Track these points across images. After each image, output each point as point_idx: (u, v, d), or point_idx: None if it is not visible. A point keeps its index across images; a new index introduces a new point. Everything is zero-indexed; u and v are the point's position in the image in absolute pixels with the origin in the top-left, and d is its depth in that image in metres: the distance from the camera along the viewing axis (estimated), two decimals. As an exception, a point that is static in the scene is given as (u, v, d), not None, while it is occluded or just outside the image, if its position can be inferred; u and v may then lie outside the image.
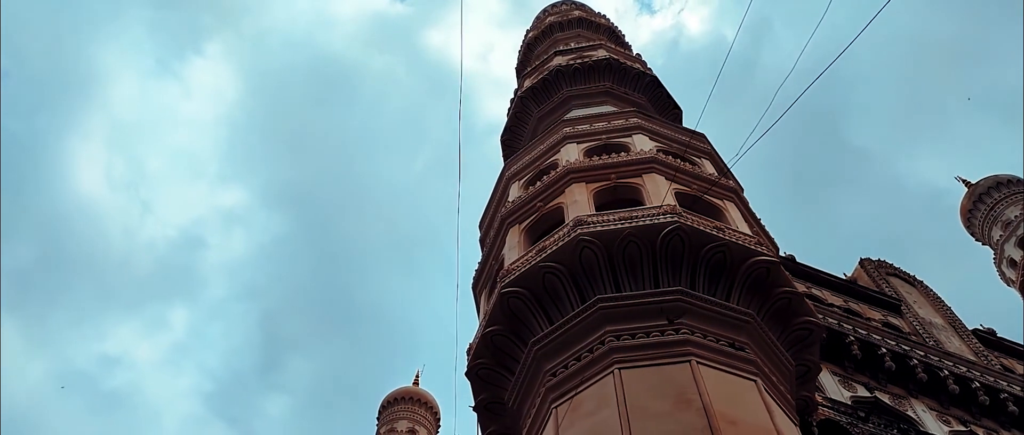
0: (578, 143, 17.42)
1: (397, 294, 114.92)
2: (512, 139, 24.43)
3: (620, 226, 13.31)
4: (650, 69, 25.56)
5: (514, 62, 31.69)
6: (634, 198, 15.19)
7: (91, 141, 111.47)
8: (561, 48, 26.87)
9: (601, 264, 13.05)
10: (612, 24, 31.67)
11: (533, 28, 32.54)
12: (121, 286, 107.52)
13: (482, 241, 19.09)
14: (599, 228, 13.37)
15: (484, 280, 16.57)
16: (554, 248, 13.46)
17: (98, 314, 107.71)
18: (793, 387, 13.06)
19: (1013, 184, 38.45)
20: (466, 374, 14.31)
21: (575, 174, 15.68)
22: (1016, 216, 36.67)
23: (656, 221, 13.30)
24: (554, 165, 17.31)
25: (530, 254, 14.04)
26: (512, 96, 26.62)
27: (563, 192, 15.50)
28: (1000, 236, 37.20)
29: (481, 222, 19.49)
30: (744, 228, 14.57)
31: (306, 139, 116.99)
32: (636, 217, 13.58)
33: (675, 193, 15.05)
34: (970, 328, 24.16)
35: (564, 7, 34.14)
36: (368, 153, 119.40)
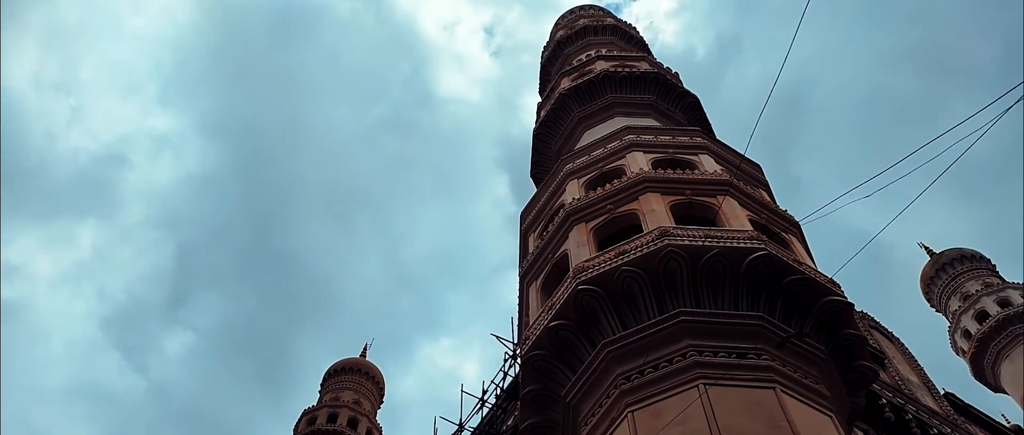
0: (645, 153, 17.52)
1: (323, 248, 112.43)
2: (546, 134, 24.41)
3: (707, 243, 13.46)
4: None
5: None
6: (707, 217, 15.38)
7: (25, 35, 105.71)
8: (604, 53, 26.96)
9: (684, 277, 13.18)
10: (643, 38, 31.90)
11: (563, 27, 32.52)
12: (33, 192, 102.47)
13: (525, 231, 19.04)
14: (686, 242, 13.48)
15: (536, 271, 16.52)
16: (637, 254, 13.52)
17: (3, 217, 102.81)
18: (847, 426, 13.45)
19: (976, 259, 40.21)
20: (521, 363, 14.27)
21: (651, 184, 15.76)
22: (976, 291, 38.34)
23: (743, 244, 13.50)
24: (619, 170, 17.37)
25: (608, 255, 14.06)
26: (548, 92, 26.60)
27: (637, 199, 15.57)
28: (958, 307, 38.83)
29: (525, 212, 19.43)
30: (810, 263, 14.91)
31: (255, 74, 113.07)
32: (721, 237, 13.75)
33: (748, 219, 15.31)
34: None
35: (593, 11, 34.27)
36: (318, 99, 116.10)
